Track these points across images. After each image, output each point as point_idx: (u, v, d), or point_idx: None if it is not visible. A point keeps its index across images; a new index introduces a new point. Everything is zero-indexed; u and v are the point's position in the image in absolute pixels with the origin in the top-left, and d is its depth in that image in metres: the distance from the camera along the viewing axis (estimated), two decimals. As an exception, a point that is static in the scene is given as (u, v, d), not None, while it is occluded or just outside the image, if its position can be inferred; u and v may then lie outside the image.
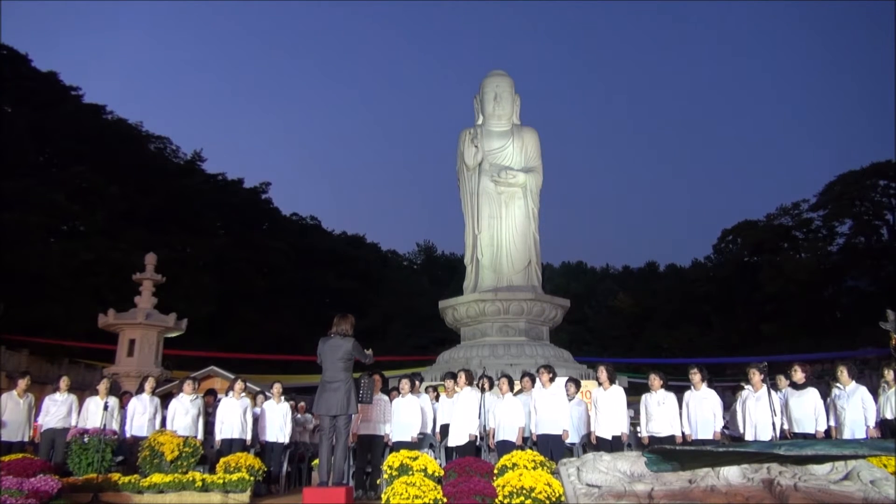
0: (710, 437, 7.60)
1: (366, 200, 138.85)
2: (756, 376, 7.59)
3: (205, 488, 7.15)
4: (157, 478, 7.20)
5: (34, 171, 27.76)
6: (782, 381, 8.30)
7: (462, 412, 8.23)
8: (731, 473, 4.97)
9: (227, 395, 9.50)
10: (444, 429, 8.67)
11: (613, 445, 7.69)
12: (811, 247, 38.08)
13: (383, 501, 5.77)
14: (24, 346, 22.27)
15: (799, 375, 7.86)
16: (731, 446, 5.52)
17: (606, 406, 8.09)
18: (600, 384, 8.30)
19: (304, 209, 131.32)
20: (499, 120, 15.81)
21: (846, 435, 7.44)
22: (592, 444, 8.08)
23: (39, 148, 29.84)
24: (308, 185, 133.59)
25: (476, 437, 8.20)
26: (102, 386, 9.25)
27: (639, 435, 8.20)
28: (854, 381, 7.74)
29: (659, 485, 4.98)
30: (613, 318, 46.91)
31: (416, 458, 6.65)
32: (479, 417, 8.28)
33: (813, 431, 7.49)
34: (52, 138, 29.78)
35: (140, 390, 9.58)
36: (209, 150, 51.83)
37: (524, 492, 5.59)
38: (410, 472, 6.42)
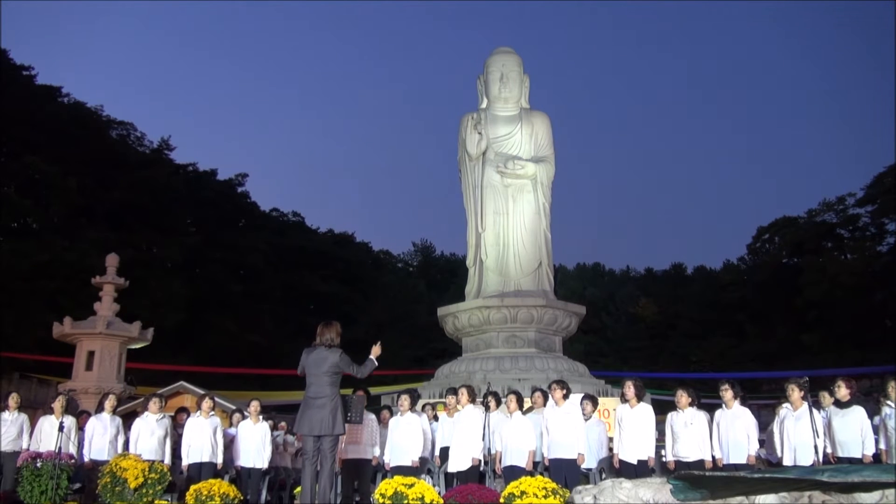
0: (743, 461, 7.60)
1: (355, 194, 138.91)
2: (796, 393, 7.58)
3: (173, 519, 7.14)
4: (119, 507, 7.19)
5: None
6: (826, 398, 8.30)
7: (464, 433, 8.23)
8: (768, 502, 4.97)
9: (195, 414, 9.51)
10: (444, 452, 8.68)
11: (638, 471, 7.69)
12: (858, 247, 38.08)
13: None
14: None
15: (843, 392, 7.86)
16: (767, 472, 5.51)
17: (633, 426, 8.07)
18: (626, 401, 8.30)
19: (286, 204, 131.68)
20: (505, 103, 15.85)
21: (897, 459, 7.43)
22: (614, 468, 8.08)
23: (-14, 135, 29.86)
24: (290, 176, 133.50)
25: (480, 461, 8.21)
26: (57, 404, 9.25)
27: (663, 459, 8.21)
28: (906, 399, 7.73)
29: (686, 515, 4.97)
30: (635, 327, 46.94)
31: (412, 486, 6.65)
32: (484, 439, 8.29)
33: (860, 455, 7.49)
34: None
35: (100, 409, 9.57)
36: (178, 138, 51.90)
37: (534, 523, 5.59)
38: (406, 501, 6.42)
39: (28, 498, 7.81)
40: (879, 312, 34.08)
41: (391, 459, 8.33)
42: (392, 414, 9.08)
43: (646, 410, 8.17)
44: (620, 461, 8.07)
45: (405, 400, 8.65)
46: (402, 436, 8.36)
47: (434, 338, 30.88)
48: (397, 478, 6.90)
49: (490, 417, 8.60)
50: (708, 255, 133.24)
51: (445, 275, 51.77)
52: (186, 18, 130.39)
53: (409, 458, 8.25)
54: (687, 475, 5.18)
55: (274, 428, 11.37)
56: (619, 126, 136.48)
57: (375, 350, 7.04)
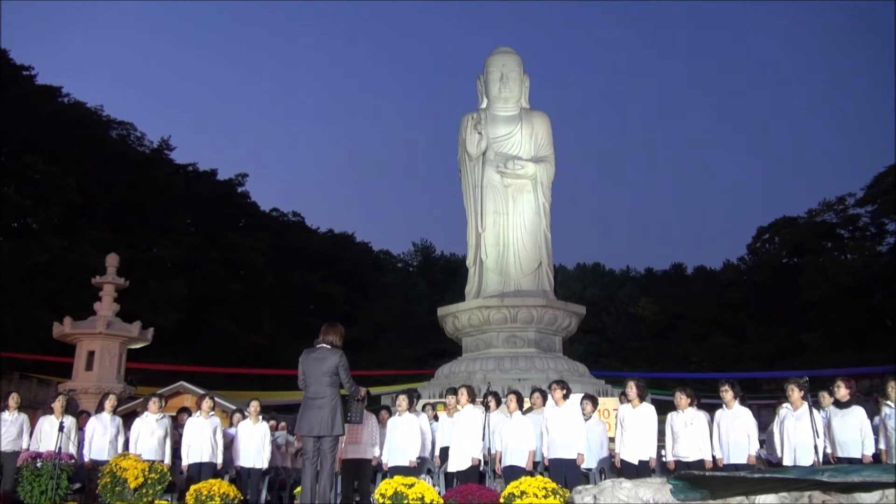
0: (743, 461, 7.61)
1: (355, 194, 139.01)
2: (795, 393, 7.58)
3: (173, 519, 7.14)
4: (119, 507, 7.19)
5: (-21, 162, 27.83)
6: (826, 398, 8.30)
7: (464, 433, 8.24)
8: (768, 502, 4.97)
9: (195, 414, 9.51)
10: (444, 452, 8.68)
11: (640, 471, 7.69)
12: (858, 247, 38.09)
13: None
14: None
15: (843, 392, 7.86)
16: (767, 472, 5.51)
17: (634, 426, 8.07)
18: (629, 401, 8.31)
19: (286, 204, 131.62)
20: (505, 103, 15.85)
21: (897, 459, 7.43)
22: (616, 468, 8.09)
23: (-15, 135, 29.83)
24: (290, 176, 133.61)
25: (480, 461, 8.21)
26: (57, 404, 9.25)
27: (664, 459, 8.21)
28: (906, 398, 7.72)
29: (686, 515, 4.97)
30: (635, 327, 46.93)
31: (412, 486, 6.65)
32: (484, 439, 8.30)
33: (859, 455, 7.49)
34: None
35: (100, 409, 9.58)
36: (178, 138, 51.81)
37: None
38: (406, 501, 6.42)
39: (28, 498, 7.81)
40: (879, 312, 34.07)
41: (389, 459, 8.35)
42: (391, 414, 9.09)
43: (648, 411, 8.17)
44: (622, 461, 8.07)
45: (403, 400, 8.66)
46: (400, 436, 8.37)
47: (434, 338, 30.86)
48: (397, 478, 6.90)
49: (490, 417, 8.60)
50: (708, 255, 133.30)
51: (445, 275, 51.73)
52: (187, 18, 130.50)
53: (407, 458, 8.26)
54: (687, 475, 5.18)
55: (275, 428, 11.37)
56: (619, 126, 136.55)
57: (363, 392, 7.22)
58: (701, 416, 8.06)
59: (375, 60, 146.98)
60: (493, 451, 8.49)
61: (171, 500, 8.34)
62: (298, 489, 7.99)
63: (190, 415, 9.80)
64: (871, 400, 10.57)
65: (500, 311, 14.04)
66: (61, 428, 8.42)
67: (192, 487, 7.77)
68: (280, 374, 28.42)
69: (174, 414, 10.71)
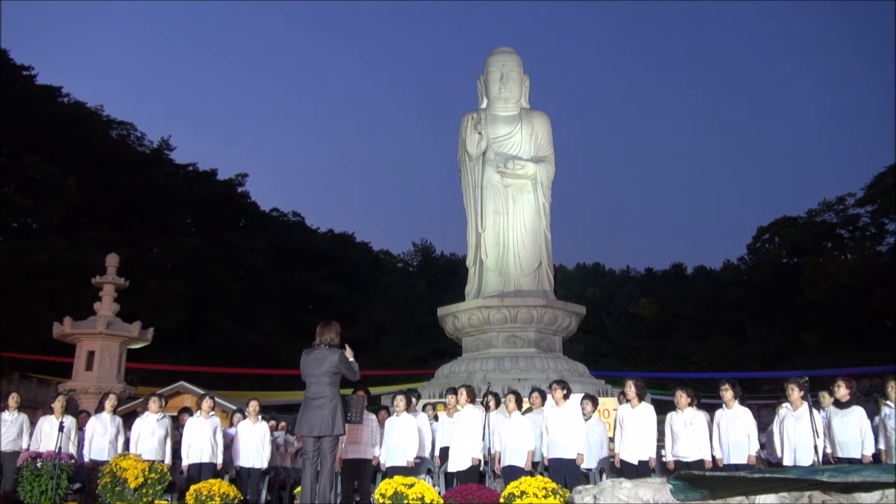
0: (743, 461, 7.61)
1: (355, 194, 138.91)
2: (795, 393, 7.58)
3: (173, 519, 7.14)
4: (119, 507, 7.19)
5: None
6: (825, 398, 8.30)
7: (464, 433, 8.24)
8: (768, 502, 4.97)
9: (195, 414, 9.51)
10: (444, 452, 8.68)
11: (640, 471, 7.69)
12: (858, 247, 38.09)
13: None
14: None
15: (843, 392, 7.86)
16: (767, 472, 5.51)
17: (634, 426, 8.07)
18: (628, 401, 8.31)
19: (286, 204, 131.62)
20: (505, 103, 15.84)
21: (897, 459, 7.43)
22: (615, 468, 8.09)
23: (-15, 135, 29.82)
24: (290, 176, 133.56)
25: (480, 461, 8.21)
26: (58, 404, 9.26)
27: (663, 459, 8.21)
28: (906, 399, 7.72)
29: (686, 515, 4.97)
30: (635, 327, 46.93)
31: (412, 486, 6.66)
32: (483, 439, 8.30)
33: (859, 455, 7.49)
34: None
35: (100, 409, 9.58)
36: (178, 138, 51.80)
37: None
38: (406, 501, 6.42)
39: (28, 498, 7.81)
40: (879, 312, 34.07)
41: (387, 460, 8.35)
42: (390, 414, 9.09)
43: (647, 410, 8.16)
44: (622, 461, 8.06)
45: (400, 401, 8.66)
46: (398, 436, 8.37)
47: (434, 338, 30.86)
48: (397, 478, 6.90)
49: (490, 417, 8.60)
50: (708, 255, 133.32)
51: (445, 275, 51.70)
52: (187, 19, 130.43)
53: (405, 458, 8.26)
54: (687, 475, 5.18)
55: (275, 428, 11.36)
56: (619, 126, 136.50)
57: (350, 351, 6.89)
58: (701, 416, 8.06)
59: (375, 60, 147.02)
60: (492, 452, 8.49)
61: (171, 500, 8.34)
62: (298, 489, 7.99)
63: (191, 415, 9.80)
64: (871, 400, 10.57)
65: (500, 311, 14.03)
66: (61, 428, 8.43)
67: (192, 487, 7.76)
68: (280, 374, 28.44)
69: (175, 414, 10.71)
